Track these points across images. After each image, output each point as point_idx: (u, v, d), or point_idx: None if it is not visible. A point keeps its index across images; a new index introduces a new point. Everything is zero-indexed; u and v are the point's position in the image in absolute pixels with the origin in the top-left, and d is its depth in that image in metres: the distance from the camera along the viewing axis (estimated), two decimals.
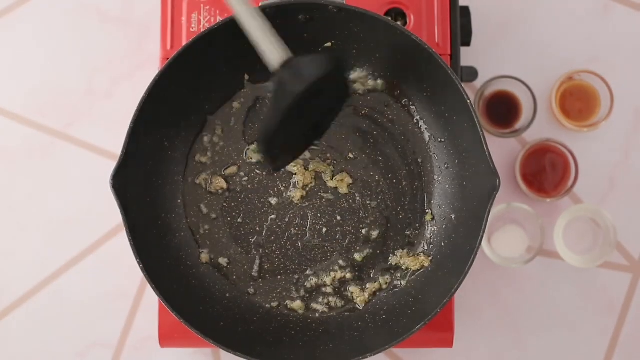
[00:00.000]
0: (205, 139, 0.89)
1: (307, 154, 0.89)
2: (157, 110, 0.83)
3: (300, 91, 0.70)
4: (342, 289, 0.88)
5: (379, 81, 0.89)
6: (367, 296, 0.87)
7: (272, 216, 0.89)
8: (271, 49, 0.69)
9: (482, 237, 0.78)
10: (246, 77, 0.89)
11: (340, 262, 0.88)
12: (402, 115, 0.90)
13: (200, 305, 0.85)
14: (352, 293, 0.88)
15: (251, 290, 0.88)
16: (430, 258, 0.87)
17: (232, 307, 0.87)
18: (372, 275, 0.88)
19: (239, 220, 0.89)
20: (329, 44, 0.87)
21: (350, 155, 0.89)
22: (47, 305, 0.99)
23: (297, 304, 0.88)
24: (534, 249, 0.96)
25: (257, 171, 0.89)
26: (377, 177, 0.89)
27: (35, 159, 1.01)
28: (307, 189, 0.89)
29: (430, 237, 0.88)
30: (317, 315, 0.88)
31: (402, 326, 0.81)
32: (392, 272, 0.88)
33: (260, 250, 0.89)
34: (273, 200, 0.89)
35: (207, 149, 0.89)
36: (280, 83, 0.69)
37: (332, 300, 0.88)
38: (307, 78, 0.70)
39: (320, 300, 0.88)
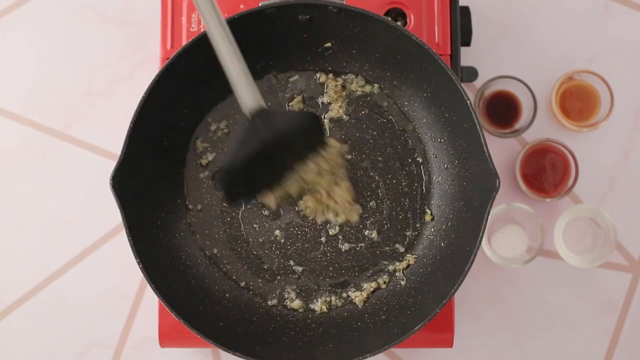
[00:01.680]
0: (205, 139, 0.89)
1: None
2: (157, 110, 0.83)
3: (269, 140, 0.72)
4: (342, 289, 0.88)
5: (375, 86, 0.89)
6: (365, 295, 0.87)
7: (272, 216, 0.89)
8: (248, 93, 0.71)
9: (482, 237, 0.78)
10: None
11: (340, 262, 0.88)
12: (402, 116, 0.90)
13: (200, 306, 0.85)
14: (351, 293, 0.88)
15: (251, 290, 0.88)
16: (415, 256, 0.88)
17: (231, 307, 0.87)
18: (371, 275, 0.88)
19: (239, 220, 0.89)
20: (328, 44, 0.87)
21: (349, 156, 0.89)
22: (47, 305, 0.99)
23: (297, 304, 0.88)
24: (534, 249, 0.96)
25: None
26: (376, 178, 0.89)
27: (34, 159, 1.01)
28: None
29: (430, 237, 0.88)
30: (316, 315, 0.88)
31: (402, 326, 0.81)
32: (391, 272, 0.88)
33: (260, 250, 0.89)
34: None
35: (207, 148, 0.89)
36: (252, 127, 0.71)
37: (332, 299, 0.88)
38: (278, 130, 0.72)
39: (320, 299, 0.88)
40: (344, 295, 0.88)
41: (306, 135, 0.77)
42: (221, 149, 0.89)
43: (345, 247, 0.88)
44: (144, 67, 1.01)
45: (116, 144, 0.95)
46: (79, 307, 0.99)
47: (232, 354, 0.79)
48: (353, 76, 0.90)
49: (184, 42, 0.89)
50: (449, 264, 0.84)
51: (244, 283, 0.88)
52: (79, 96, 1.02)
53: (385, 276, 0.88)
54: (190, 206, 0.89)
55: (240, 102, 0.72)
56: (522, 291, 0.99)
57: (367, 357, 0.79)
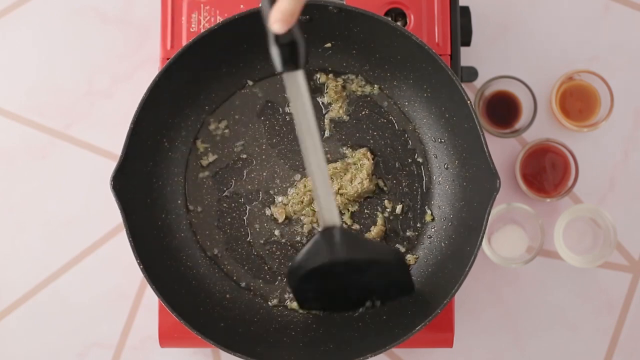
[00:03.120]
0: (205, 139, 0.89)
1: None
2: (157, 110, 0.83)
3: (336, 260, 0.71)
4: None
5: (375, 86, 0.89)
6: None
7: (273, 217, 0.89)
8: (328, 210, 0.70)
9: (482, 237, 0.78)
10: (249, 82, 0.89)
11: None
12: (402, 116, 0.90)
13: (201, 306, 0.85)
14: None
15: (252, 291, 0.88)
16: (415, 256, 0.88)
17: (232, 308, 0.87)
18: None
19: (240, 221, 0.89)
20: (328, 44, 0.87)
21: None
22: (47, 305, 0.99)
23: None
24: (534, 249, 0.96)
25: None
26: (376, 178, 0.89)
27: (35, 159, 1.01)
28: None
29: (431, 237, 0.88)
30: (317, 315, 0.87)
31: (402, 326, 0.81)
32: None
33: (261, 251, 0.89)
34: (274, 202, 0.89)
35: (207, 149, 0.89)
36: (317, 242, 0.71)
37: None
38: (341, 253, 0.71)
39: None
40: None
41: (384, 273, 0.75)
42: (222, 150, 0.89)
43: None
44: (144, 67, 1.01)
45: (116, 144, 0.95)
46: (79, 307, 0.99)
47: (233, 354, 0.79)
48: (353, 76, 0.90)
49: (184, 42, 0.89)
50: (449, 264, 0.84)
51: (244, 284, 0.88)
52: (79, 96, 1.02)
53: None
54: (190, 207, 0.89)
55: (319, 216, 0.72)
56: (522, 291, 0.99)
57: (367, 357, 0.79)
